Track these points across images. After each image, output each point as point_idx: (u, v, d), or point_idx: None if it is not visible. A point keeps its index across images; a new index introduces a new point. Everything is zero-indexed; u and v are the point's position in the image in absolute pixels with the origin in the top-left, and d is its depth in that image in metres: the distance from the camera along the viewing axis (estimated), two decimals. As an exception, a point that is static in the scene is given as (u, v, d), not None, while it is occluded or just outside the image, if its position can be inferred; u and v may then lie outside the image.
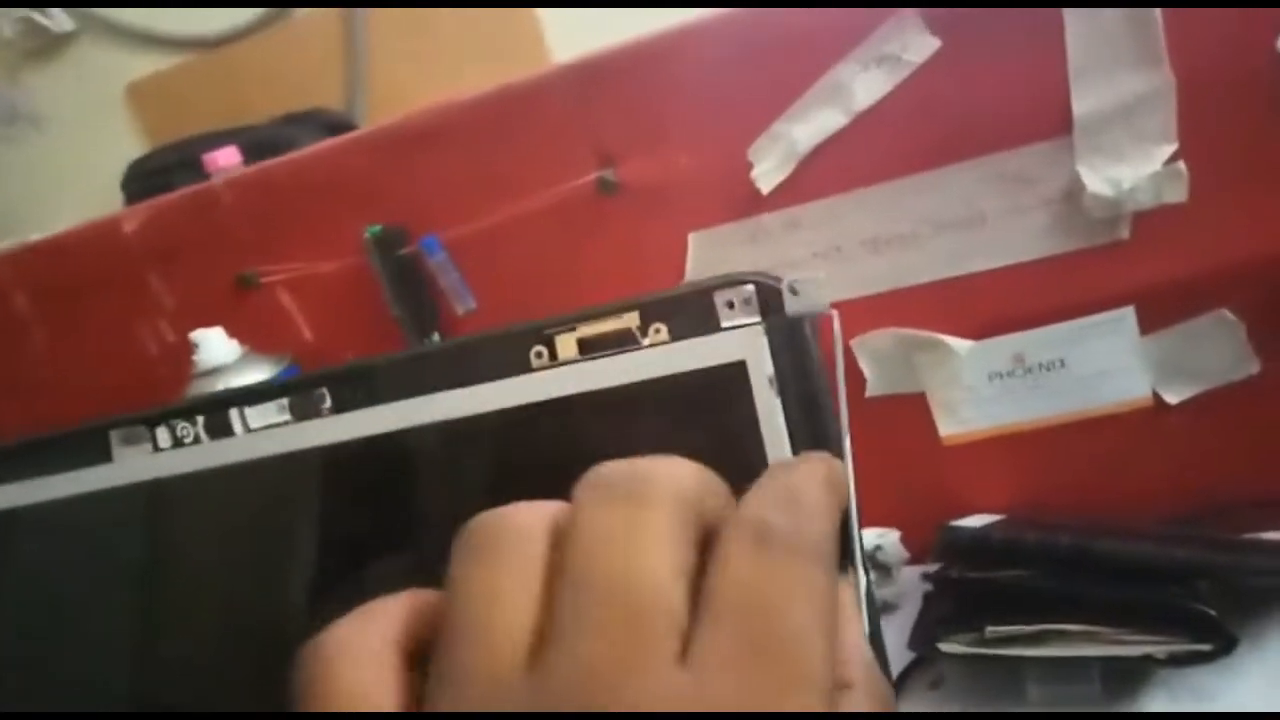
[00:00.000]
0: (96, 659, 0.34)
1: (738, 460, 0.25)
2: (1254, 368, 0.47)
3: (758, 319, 0.25)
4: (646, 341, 0.26)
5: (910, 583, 0.52)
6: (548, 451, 0.28)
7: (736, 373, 0.25)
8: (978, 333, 0.50)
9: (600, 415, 0.27)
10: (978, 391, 0.51)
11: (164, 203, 0.67)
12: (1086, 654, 0.42)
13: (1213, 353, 0.47)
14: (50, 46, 1.51)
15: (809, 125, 0.48)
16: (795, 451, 0.25)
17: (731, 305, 0.25)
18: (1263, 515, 0.48)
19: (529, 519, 0.19)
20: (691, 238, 0.53)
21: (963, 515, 0.53)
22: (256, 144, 1.09)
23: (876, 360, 0.52)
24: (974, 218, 0.47)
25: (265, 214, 0.62)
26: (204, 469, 0.30)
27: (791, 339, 0.25)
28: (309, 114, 1.31)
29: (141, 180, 1.28)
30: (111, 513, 0.31)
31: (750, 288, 0.25)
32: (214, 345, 0.59)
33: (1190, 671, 0.42)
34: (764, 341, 0.25)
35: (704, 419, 0.26)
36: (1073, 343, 0.48)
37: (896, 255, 0.49)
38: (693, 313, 0.26)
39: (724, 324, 0.26)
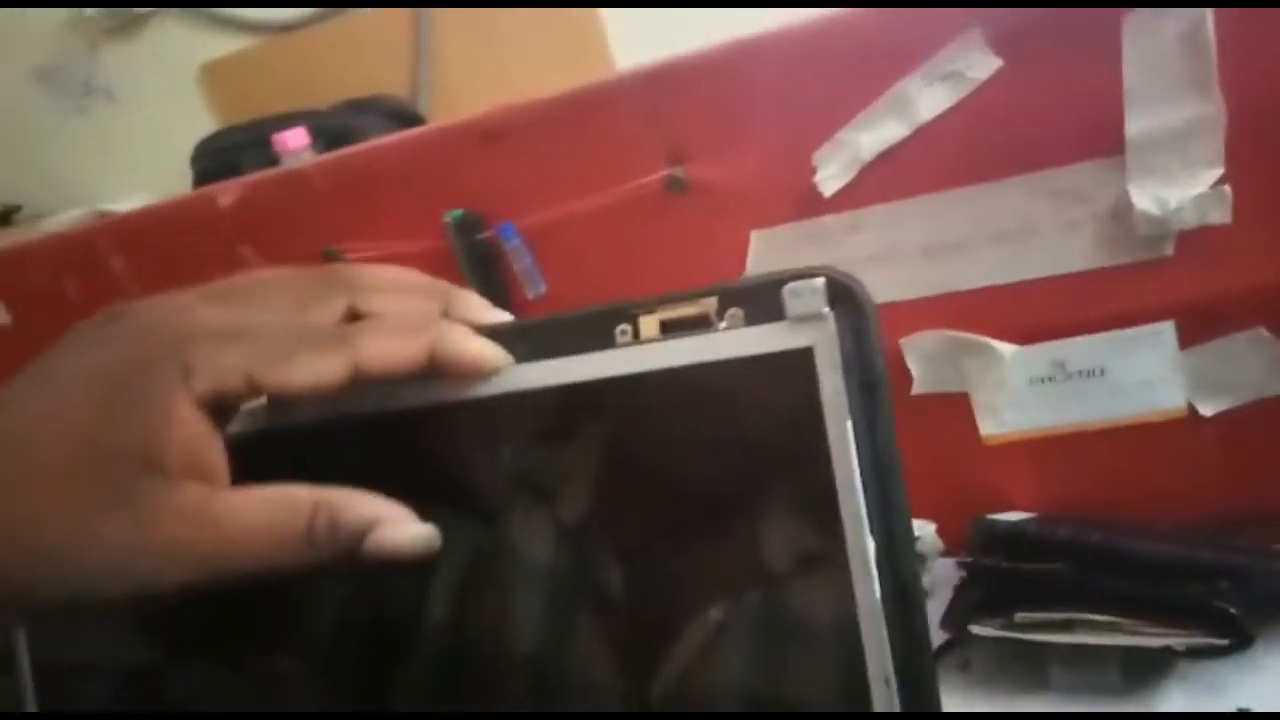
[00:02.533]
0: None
1: (798, 439, 0.28)
2: (1288, 384, 0.49)
3: (827, 309, 0.28)
4: (723, 325, 0.29)
5: (944, 573, 0.55)
6: (624, 422, 0.31)
7: (804, 358, 0.28)
8: (1023, 339, 0.53)
9: (675, 391, 0.30)
10: (1019, 395, 0.53)
11: (257, 180, 0.72)
12: (1109, 643, 0.44)
13: (1247, 368, 0.49)
14: (129, 25, 1.57)
15: (873, 134, 0.51)
16: (855, 433, 0.27)
17: (803, 295, 0.28)
18: (1289, 528, 0.51)
19: None
20: (753, 236, 0.56)
21: (997, 512, 0.56)
22: (323, 128, 1.14)
23: (924, 359, 0.55)
24: (1025, 229, 0.50)
25: (352, 196, 0.67)
26: (299, 424, 0.33)
27: (856, 330, 0.28)
28: (373, 100, 1.36)
29: (211, 158, 1.34)
30: None
31: (821, 280, 0.28)
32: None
33: (1207, 665, 0.44)
34: (832, 330, 0.28)
35: (771, 400, 0.28)
36: (1113, 353, 0.51)
37: (949, 261, 0.52)
38: (767, 300, 0.28)
39: (795, 312, 0.28)
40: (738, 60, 0.54)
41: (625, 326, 0.31)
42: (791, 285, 0.28)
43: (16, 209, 1.56)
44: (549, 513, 0.31)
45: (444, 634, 0.32)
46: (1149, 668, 0.46)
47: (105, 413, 0.25)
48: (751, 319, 0.29)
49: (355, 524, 0.27)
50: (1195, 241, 0.48)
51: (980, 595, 0.49)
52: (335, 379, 0.26)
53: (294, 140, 0.96)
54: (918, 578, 0.27)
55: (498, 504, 0.31)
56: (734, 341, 0.29)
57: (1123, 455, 0.53)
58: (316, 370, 0.26)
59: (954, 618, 0.49)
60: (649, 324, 0.30)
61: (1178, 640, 0.43)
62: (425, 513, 0.31)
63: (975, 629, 0.47)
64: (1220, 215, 0.47)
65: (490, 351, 0.30)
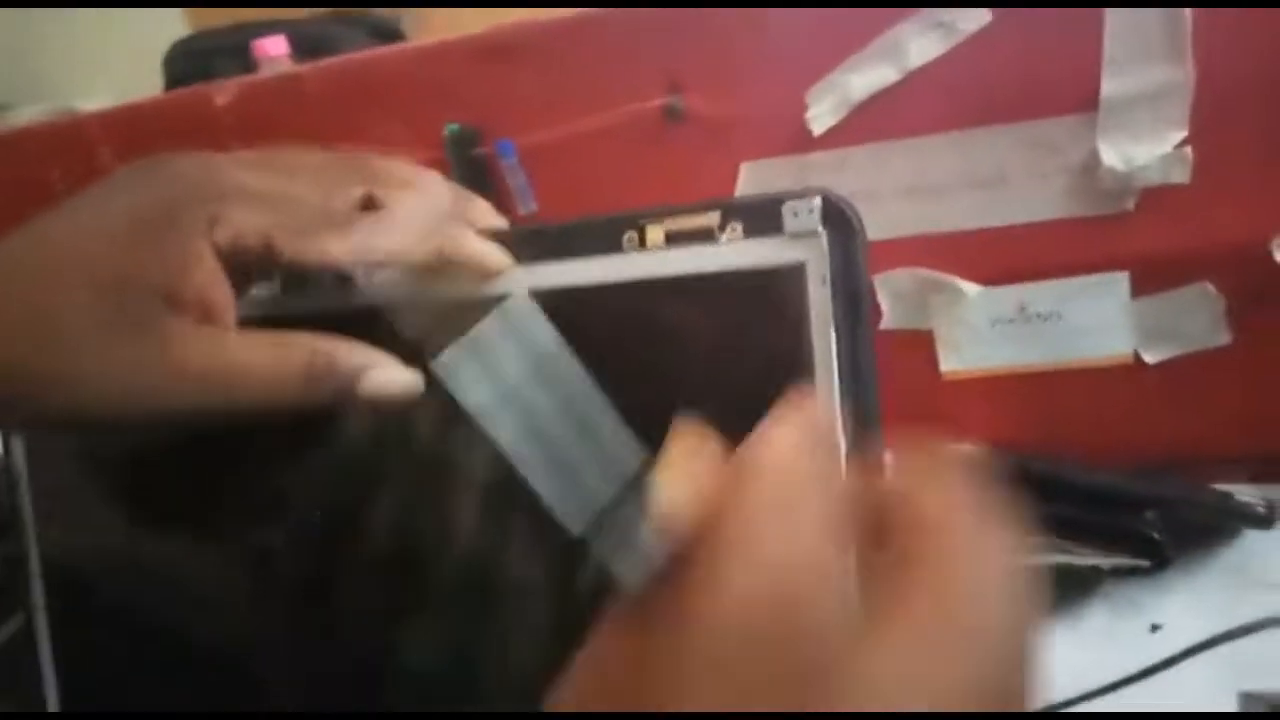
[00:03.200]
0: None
1: (785, 345, 0.31)
2: (1226, 338, 0.53)
3: (821, 228, 0.31)
4: (723, 238, 0.32)
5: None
6: (625, 324, 0.33)
7: (796, 272, 0.31)
8: (989, 280, 0.56)
9: (673, 297, 0.33)
10: (981, 333, 0.57)
11: (254, 81, 0.72)
12: (1043, 561, 0.49)
13: (1192, 321, 0.53)
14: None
15: (864, 76, 0.53)
16: (837, 342, 0.30)
17: (800, 214, 0.31)
18: (1217, 469, 0.55)
19: None
20: (743, 168, 0.58)
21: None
22: (303, 38, 1.12)
23: (895, 296, 0.58)
24: (1000, 177, 0.53)
25: (352, 103, 0.68)
26: (327, 310, 0.35)
27: (846, 249, 0.31)
28: (356, 16, 1.33)
29: (185, 61, 1.31)
30: None
31: (818, 200, 0.31)
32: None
33: (1128, 585, 0.49)
34: (824, 248, 0.30)
35: (763, 309, 0.31)
36: (1071, 298, 0.54)
37: (928, 203, 0.55)
38: (766, 217, 0.31)
39: (791, 230, 0.31)
40: (741, -5, 0.56)
41: (632, 234, 0.33)
42: (790, 204, 0.31)
43: (-20, 99, 1.53)
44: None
45: (391, 522, 0.35)
46: (1077, 585, 0.50)
47: (133, 247, 0.27)
48: (750, 232, 0.31)
49: (350, 366, 0.30)
50: (1155, 199, 0.51)
51: (930, 515, 0.53)
52: (343, 260, 0.29)
53: (274, 48, 0.94)
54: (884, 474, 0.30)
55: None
56: (733, 253, 0.31)
57: (1072, 395, 0.57)
58: (329, 249, 0.29)
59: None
60: (655, 233, 0.33)
61: (1104, 561, 0.48)
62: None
63: (923, 544, 0.51)
64: (1180, 175, 0.50)
65: (493, 254, 0.32)
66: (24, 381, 0.27)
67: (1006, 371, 0.58)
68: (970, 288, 0.56)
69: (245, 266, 0.30)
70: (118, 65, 1.54)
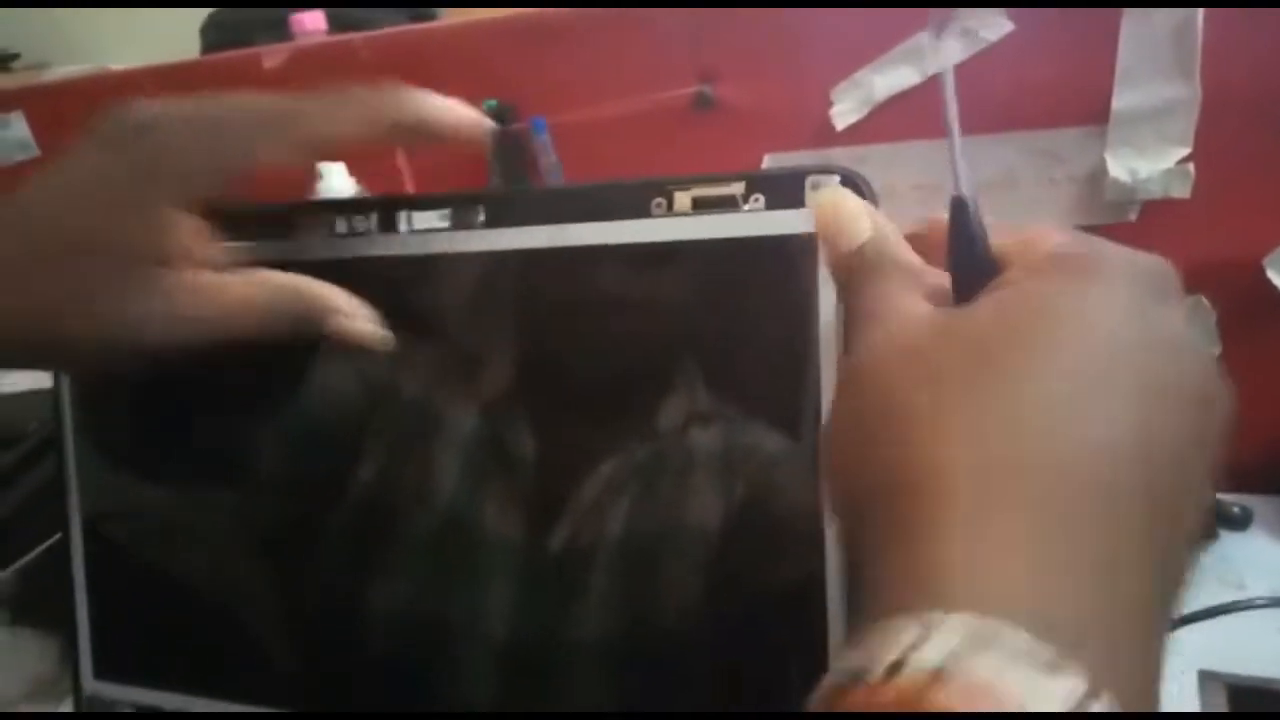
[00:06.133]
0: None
1: (796, 309, 0.33)
2: (1217, 349, 0.55)
3: None
4: (746, 207, 0.34)
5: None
6: (650, 282, 0.35)
7: (809, 242, 0.33)
8: (993, 281, 0.58)
9: (696, 261, 0.35)
10: (983, 332, 0.59)
11: (304, 46, 0.75)
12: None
13: (1185, 331, 0.55)
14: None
15: (888, 78, 0.56)
16: (842, 307, 0.33)
17: (819, 188, 0.33)
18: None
19: None
20: (767, 159, 0.61)
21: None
22: (337, 15, 1.14)
23: (903, 290, 0.60)
24: (1009, 182, 0.56)
25: (397, 73, 0.70)
26: (370, 256, 0.37)
27: None
28: (390, -6, 1.35)
29: (221, 31, 1.33)
30: None
31: (836, 177, 0.33)
32: (335, 178, 0.68)
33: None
34: None
35: (777, 275, 0.33)
36: (1070, 303, 0.57)
37: (939, 202, 0.57)
38: (787, 189, 0.33)
39: (809, 203, 0.33)
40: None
41: (661, 200, 0.35)
42: (812, 178, 0.33)
43: (15, 57, 1.56)
44: (550, 368, 0.35)
45: (370, 481, 0.36)
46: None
47: (118, 223, 0.30)
48: (771, 204, 0.33)
49: (313, 305, 0.32)
50: (1156, 211, 0.54)
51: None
52: (283, 158, 0.30)
53: (312, 22, 0.96)
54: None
55: (541, 346, 0.35)
56: (753, 223, 0.33)
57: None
58: (270, 152, 0.30)
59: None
60: (683, 199, 0.35)
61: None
62: (472, 350, 0.36)
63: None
64: (1181, 190, 0.53)
65: (468, 112, 0.33)
66: (51, 330, 0.30)
67: (1004, 369, 0.60)
68: (975, 286, 0.58)
69: (214, 203, 0.32)
70: (153, 32, 1.56)
